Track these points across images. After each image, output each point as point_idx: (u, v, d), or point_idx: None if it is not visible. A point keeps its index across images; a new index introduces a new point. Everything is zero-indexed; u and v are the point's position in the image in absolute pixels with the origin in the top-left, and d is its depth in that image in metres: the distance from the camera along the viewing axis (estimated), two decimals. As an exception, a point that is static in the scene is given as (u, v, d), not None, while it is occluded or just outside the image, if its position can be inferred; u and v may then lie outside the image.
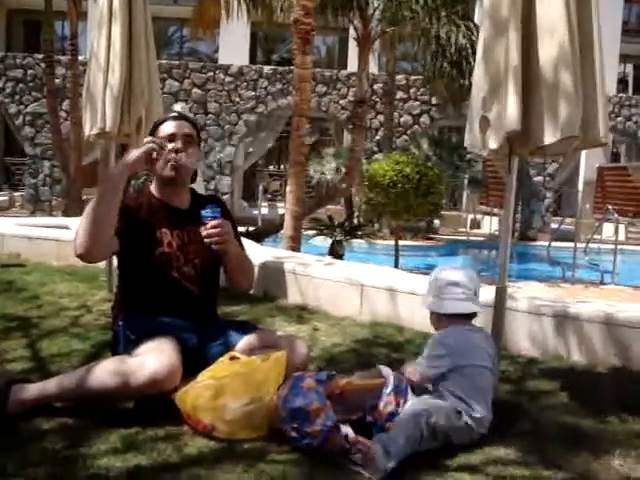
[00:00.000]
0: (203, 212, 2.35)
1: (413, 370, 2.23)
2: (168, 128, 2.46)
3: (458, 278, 2.31)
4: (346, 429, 2.03)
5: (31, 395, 2.14)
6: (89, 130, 4.11)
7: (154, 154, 2.34)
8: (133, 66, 4.03)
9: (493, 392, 2.26)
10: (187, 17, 13.94)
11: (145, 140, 2.40)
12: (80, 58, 13.45)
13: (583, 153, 15.11)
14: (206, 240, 2.33)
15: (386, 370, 2.22)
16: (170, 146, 2.41)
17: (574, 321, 3.31)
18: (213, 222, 2.32)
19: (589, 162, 16.04)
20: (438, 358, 2.20)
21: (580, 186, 16.26)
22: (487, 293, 3.19)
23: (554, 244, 10.49)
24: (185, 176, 2.49)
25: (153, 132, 2.51)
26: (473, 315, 2.34)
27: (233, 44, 17.95)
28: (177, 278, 2.43)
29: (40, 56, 15.56)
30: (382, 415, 2.08)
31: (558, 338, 3.33)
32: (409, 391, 2.18)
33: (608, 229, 11.57)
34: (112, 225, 2.25)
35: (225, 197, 16.41)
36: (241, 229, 8.85)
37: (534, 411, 2.49)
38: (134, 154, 2.30)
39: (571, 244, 9.45)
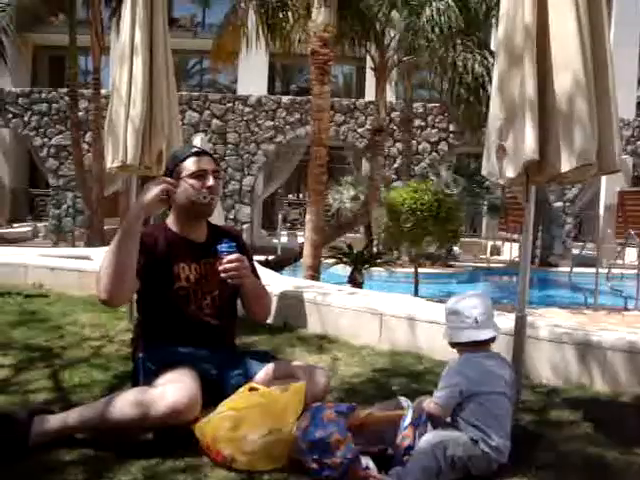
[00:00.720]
0: (219, 247, 2.36)
1: (430, 403, 2.17)
2: (198, 164, 2.43)
3: (458, 306, 2.29)
4: (367, 461, 2.02)
5: (53, 426, 2.15)
6: (111, 163, 4.18)
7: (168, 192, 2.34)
8: (154, 100, 4.11)
9: (511, 419, 2.23)
10: (207, 49, 14.18)
11: (157, 182, 2.36)
12: (102, 92, 13.75)
13: (603, 178, 15.01)
14: (223, 275, 2.35)
15: (405, 402, 2.21)
16: (203, 185, 2.41)
17: (597, 349, 3.26)
18: (229, 257, 2.34)
19: (610, 186, 15.90)
20: (451, 387, 2.16)
21: (601, 211, 16.09)
22: (507, 321, 3.17)
23: (575, 270, 10.39)
24: (211, 211, 2.52)
25: (174, 167, 2.47)
26: (488, 341, 2.29)
27: (252, 75, 18.23)
28: (195, 311, 2.45)
29: (64, 90, 15.96)
30: (399, 448, 2.06)
31: (580, 367, 3.28)
32: (428, 424, 2.15)
33: (631, 254, 11.43)
34: (133, 268, 2.26)
35: (245, 226, 16.54)
36: (261, 258, 8.86)
37: (557, 442, 2.45)
38: (147, 196, 2.29)
39: (593, 270, 9.34)
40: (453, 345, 2.32)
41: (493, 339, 2.29)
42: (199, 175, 2.43)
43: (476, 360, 2.23)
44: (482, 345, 2.26)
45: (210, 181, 2.44)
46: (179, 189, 2.43)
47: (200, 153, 2.50)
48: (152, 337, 2.46)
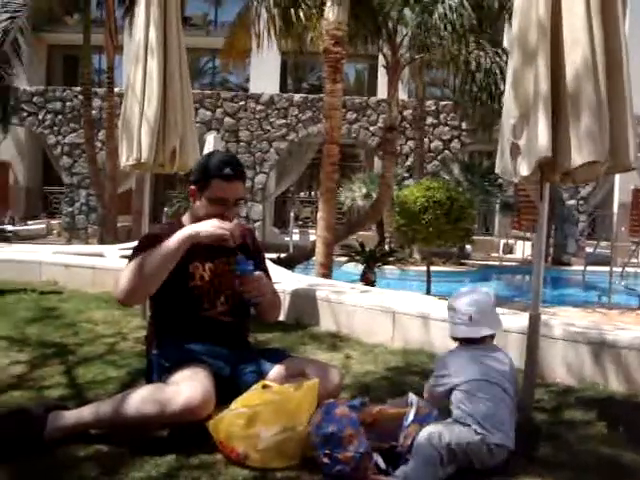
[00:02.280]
0: (238, 267, 2.37)
1: (425, 394, 2.30)
2: (222, 192, 2.39)
3: (455, 303, 2.34)
4: (376, 457, 2.02)
5: (68, 422, 2.17)
6: (125, 161, 4.20)
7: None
8: (168, 98, 4.13)
9: (513, 414, 2.20)
10: (219, 48, 14.22)
11: (224, 227, 2.30)
12: (116, 90, 13.84)
13: (617, 175, 14.90)
14: (245, 296, 2.38)
15: (414, 398, 2.19)
16: (221, 212, 2.39)
17: (611, 348, 3.24)
18: (249, 278, 2.36)
19: (624, 184, 15.79)
20: (439, 377, 2.24)
21: (615, 208, 15.98)
22: (521, 320, 3.16)
23: (589, 268, 10.34)
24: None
25: (202, 179, 2.42)
26: (484, 338, 2.28)
27: (264, 73, 18.25)
28: (210, 310, 2.47)
29: (78, 89, 16.07)
30: (404, 447, 2.06)
31: (595, 366, 3.26)
32: (432, 417, 2.15)
33: (645, 253, 11.34)
34: (162, 280, 2.28)
35: (257, 224, 16.58)
36: (273, 256, 8.85)
37: (572, 442, 2.44)
38: (205, 233, 2.26)
39: (607, 268, 9.30)
40: (453, 339, 2.38)
41: (492, 336, 2.31)
42: (220, 203, 2.41)
43: (464, 352, 2.26)
44: (479, 341, 2.28)
45: (228, 211, 2.41)
46: (200, 202, 2.44)
47: (231, 178, 2.40)
48: (166, 334, 2.47)
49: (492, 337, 2.32)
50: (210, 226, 2.30)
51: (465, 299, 2.33)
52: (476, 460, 2.05)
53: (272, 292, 2.58)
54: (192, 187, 2.47)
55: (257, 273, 2.39)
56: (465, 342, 2.30)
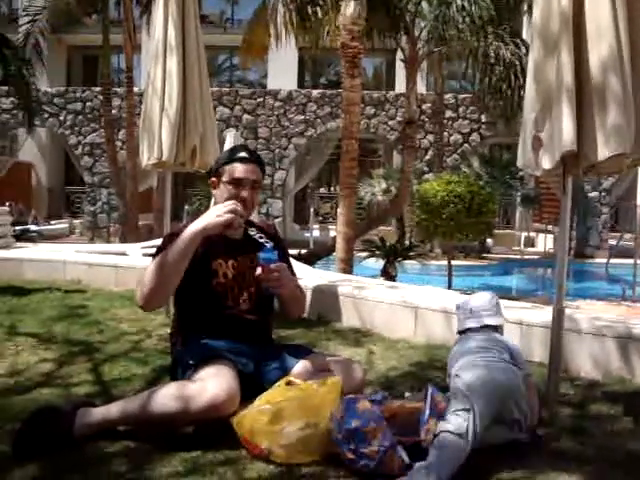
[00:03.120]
0: (260, 255, 2.35)
1: None
2: (237, 172, 2.44)
3: (459, 302, 2.76)
4: (400, 452, 2.01)
5: (96, 419, 2.20)
6: (147, 160, 4.23)
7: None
8: (188, 96, 4.15)
9: (523, 395, 2.29)
10: (237, 45, 14.25)
11: (226, 206, 2.31)
12: (135, 89, 13.94)
13: (641, 167, 14.66)
14: (263, 284, 2.37)
15: (429, 391, 2.18)
16: (237, 194, 2.41)
17: (637, 342, 3.21)
18: (270, 267, 2.34)
19: (649, 176, 15.55)
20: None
21: (638, 200, 15.76)
22: (545, 314, 3.13)
23: (612, 261, 10.22)
24: (247, 218, 2.51)
25: (218, 167, 2.49)
26: (488, 328, 2.59)
27: (281, 69, 18.27)
28: (233, 307, 2.48)
29: (98, 89, 16.21)
30: (427, 442, 2.04)
31: (621, 360, 3.23)
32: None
33: (670, 244, 11.15)
34: (179, 280, 2.29)
35: (277, 220, 16.62)
36: (293, 252, 8.86)
37: (598, 437, 2.42)
38: (212, 222, 2.28)
39: (630, 261, 9.18)
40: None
41: (495, 327, 2.61)
42: (237, 184, 2.44)
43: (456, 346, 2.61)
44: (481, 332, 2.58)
45: (244, 192, 2.44)
46: (218, 191, 2.46)
47: (246, 160, 2.47)
48: (190, 332, 2.49)
49: (495, 328, 2.61)
50: (215, 216, 2.29)
51: (466, 298, 2.76)
52: (494, 438, 2.15)
53: (295, 286, 2.58)
54: (213, 179, 2.52)
55: (278, 263, 2.38)
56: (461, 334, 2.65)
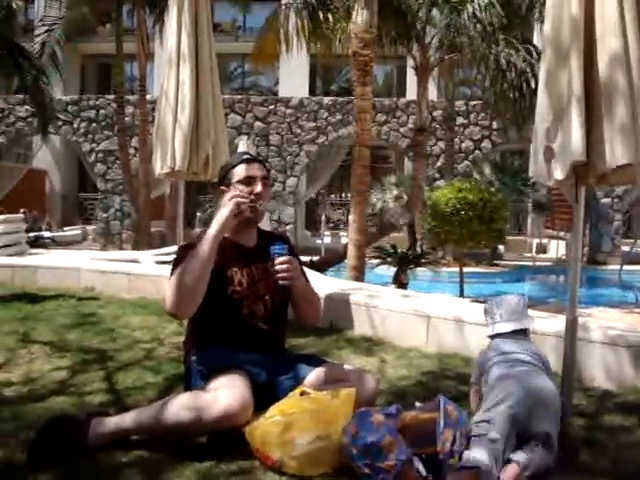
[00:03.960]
0: (271, 248, 2.41)
1: None
2: (247, 171, 2.51)
3: (486, 306, 2.75)
4: (417, 464, 2.01)
5: (109, 428, 2.22)
6: (160, 169, 4.25)
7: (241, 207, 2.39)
8: (200, 105, 4.17)
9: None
10: (248, 52, 14.33)
11: (230, 197, 2.39)
12: (148, 97, 14.05)
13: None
14: (274, 276, 2.39)
15: (442, 402, 2.17)
16: (251, 191, 2.47)
17: (652, 352, 3.18)
18: (281, 259, 2.38)
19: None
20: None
21: (652, 207, 15.67)
22: (558, 323, 3.12)
23: (626, 268, 10.13)
24: (261, 217, 2.57)
25: (225, 176, 2.55)
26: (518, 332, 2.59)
27: (293, 77, 18.34)
28: (248, 316, 2.49)
29: (111, 97, 16.36)
30: (444, 453, 2.04)
31: (635, 369, 3.21)
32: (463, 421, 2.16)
33: (684, 251, 11.08)
34: (206, 283, 2.31)
35: (288, 227, 16.65)
36: (305, 259, 8.92)
37: (612, 448, 2.40)
38: (224, 215, 2.34)
39: (644, 268, 9.10)
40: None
41: (523, 331, 2.62)
42: (248, 182, 2.48)
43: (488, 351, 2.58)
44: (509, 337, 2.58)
45: (258, 188, 2.49)
46: (230, 195, 2.48)
47: (250, 160, 2.56)
48: (204, 340, 2.50)
49: (523, 332, 2.61)
50: (224, 214, 2.35)
51: (488, 302, 2.72)
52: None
53: (308, 287, 2.59)
54: (221, 187, 2.55)
55: (289, 257, 2.41)
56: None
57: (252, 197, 2.46)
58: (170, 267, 2.43)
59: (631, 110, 2.32)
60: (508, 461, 2.05)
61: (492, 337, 2.63)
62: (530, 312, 4.01)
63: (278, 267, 2.37)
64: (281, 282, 2.40)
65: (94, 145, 17.75)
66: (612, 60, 2.37)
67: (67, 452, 2.11)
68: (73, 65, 20.13)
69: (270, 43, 12.21)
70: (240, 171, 2.51)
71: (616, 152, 2.34)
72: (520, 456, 2.06)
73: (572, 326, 2.70)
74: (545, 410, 2.17)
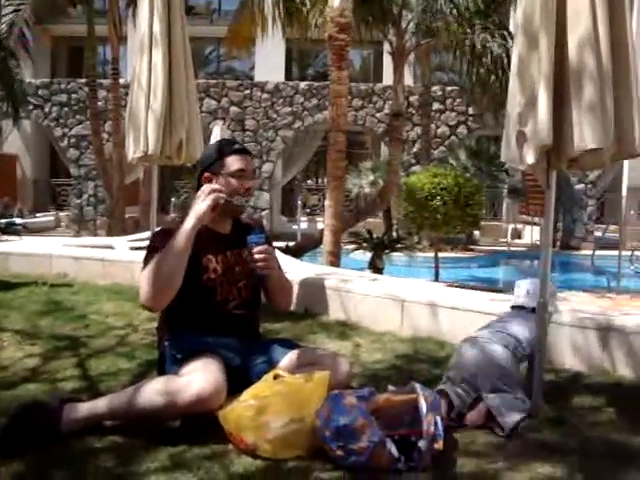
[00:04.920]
0: (249, 238, 2.41)
1: None
2: (240, 164, 2.47)
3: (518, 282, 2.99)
4: (390, 445, 2.03)
5: (82, 414, 2.20)
6: (132, 153, 4.22)
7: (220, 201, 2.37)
8: (174, 90, 4.13)
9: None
10: (223, 36, 14.16)
11: (209, 190, 2.36)
12: (121, 81, 13.84)
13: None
14: (252, 265, 2.38)
15: (417, 387, 2.20)
16: (242, 185, 2.46)
17: (620, 334, 3.25)
18: (259, 248, 2.38)
19: (633, 167, 15.65)
20: None
21: (624, 192, 15.88)
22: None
23: (598, 253, 10.30)
24: (243, 211, 2.56)
25: (216, 160, 2.48)
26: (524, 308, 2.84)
27: (268, 61, 18.18)
28: (222, 302, 2.49)
29: (83, 80, 16.07)
30: (428, 435, 2.07)
31: (604, 352, 3.27)
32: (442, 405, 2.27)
33: (655, 236, 11.28)
34: (182, 277, 2.30)
35: (264, 213, 16.59)
36: (281, 244, 8.84)
37: (581, 428, 2.46)
38: (202, 209, 2.31)
39: (616, 252, 9.25)
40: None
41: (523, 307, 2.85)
42: (239, 175, 2.45)
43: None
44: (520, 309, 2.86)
45: (249, 183, 2.48)
46: (219, 183, 2.45)
47: (243, 151, 2.52)
48: (177, 326, 2.49)
49: (528, 308, 2.82)
50: (202, 208, 2.32)
51: (528, 280, 2.96)
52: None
53: (282, 277, 2.60)
54: (206, 174, 2.49)
55: (266, 247, 2.42)
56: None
57: (240, 196, 2.45)
58: (144, 254, 2.41)
59: (599, 94, 2.35)
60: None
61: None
62: (502, 296, 4.09)
63: (256, 256, 2.37)
64: (259, 272, 2.40)
65: (66, 130, 17.43)
66: (581, 43, 2.38)
67: (40, 439, 2.10)
68: (43, 47, 19.69)
69: (245, 27, 12.08)
70: (232, 162, 2.47)
71: (584, 136, 2.36)
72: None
73: (542, 309, 2.74)
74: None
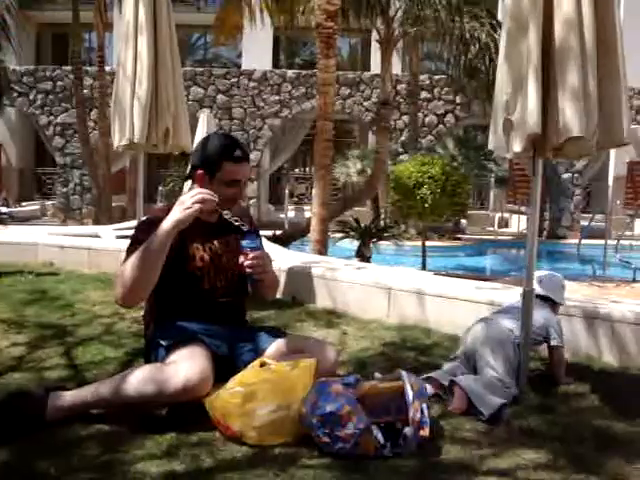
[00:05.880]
0: (243, 243, 2.36)
1: None
2: (236, 174, 2.41)
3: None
4: (376, 432, 2.04)
5: (68, 402, 2.19)
6: (118, 141, 4.18)
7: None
8: (159, 78, 4.09)
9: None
10: (210, 24, 14.05)
11: (195, 197, 2.24)
12: (107, 68, 13.69)
13: (612, 149, 14.82)
14: (247, 270, 2.35)
15: (404, 374, 2.21)
16: (236, 195, 2.44)
17: (605, 322, 3.28)
18: (254, 254, 2.35)
19: (619, 157, 15.74)
20: None
21: (610, 181, 15.97)
22: (515, 294, 3.18)
23: (584, 242, 10.37)
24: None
25: (214, 160, 2.41)
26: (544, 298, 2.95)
27: (256, 49, 18.06)
28: (208, 290, 2.48)
29: (68, 68, 15.88)
30: (415, 423, 2.08)
31: (589, 339, 3.31)
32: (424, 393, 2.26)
33: (640, 225, 11.37)
34: (156, 277, 2.25)
35: (251, 201, 16.54)
36: (268, 233, 8.82)
37: (565, 413, 2.49)
38: (182, 215, 2.21)
39: (602, 241, 9.33)
40: None
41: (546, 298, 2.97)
42: (232, 184, 2.42)
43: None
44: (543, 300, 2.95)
45: (240, 192, 2.44)
46: (210, 186, 2.39)
47: (241, 159, 2.43)
48: (164, 314, 2.49)
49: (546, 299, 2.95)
50: (183, 209, 2.22)
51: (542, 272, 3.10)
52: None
53: (274, 276, 2.60)
54: (199, 172, 2.43)
55: (261, 252, 2.40)
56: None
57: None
58: (127, 245, 2.38)
59: (582, 78, 2.36)
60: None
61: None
62: (488, 284, 4.12)
63: (251, 262, 2.35)
64: (255, 277, 2.39)
65: (52, 118, 17.25)
66: (566, 28, 2.39)
67: (25, 427, 2.09)
68: (27, 34, 19.42)
69: (232, 14, 11.99)
70: (229, 171, 2.40)
71: (568, 124, 2.37)
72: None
73: (528, 297, 2.76)
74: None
